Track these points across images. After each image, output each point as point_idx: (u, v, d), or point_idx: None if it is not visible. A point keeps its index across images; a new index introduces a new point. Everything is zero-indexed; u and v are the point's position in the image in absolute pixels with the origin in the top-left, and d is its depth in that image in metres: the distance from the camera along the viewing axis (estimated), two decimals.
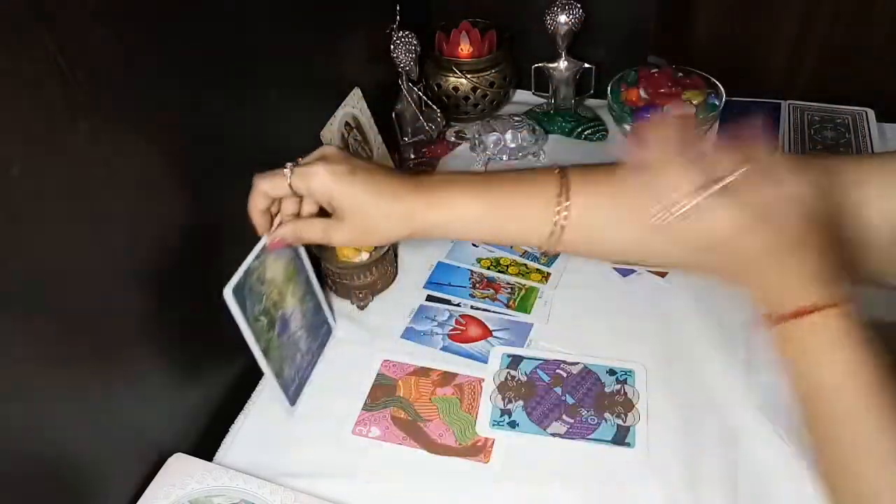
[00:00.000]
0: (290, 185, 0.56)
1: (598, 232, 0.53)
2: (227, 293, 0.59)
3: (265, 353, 0.65)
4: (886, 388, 0.42)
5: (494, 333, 0.78)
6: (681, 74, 0.98)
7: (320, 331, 0.76)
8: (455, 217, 0.55)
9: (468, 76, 1.03)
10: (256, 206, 0.59)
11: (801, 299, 0.45)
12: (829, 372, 0.44)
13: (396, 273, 0.86)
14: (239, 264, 0.61)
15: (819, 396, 0.45)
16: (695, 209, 0.45)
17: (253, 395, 0.74)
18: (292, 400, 0.70)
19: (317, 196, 0.56)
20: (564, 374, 0.73)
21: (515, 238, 0.57)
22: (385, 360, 0.76)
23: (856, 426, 0.43)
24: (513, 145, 1.00)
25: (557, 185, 0.52)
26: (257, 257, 0.62)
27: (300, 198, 0.59)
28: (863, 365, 0.43)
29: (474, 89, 1.04)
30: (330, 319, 0.78)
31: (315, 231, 0.59)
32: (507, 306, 0.81)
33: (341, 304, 0.83)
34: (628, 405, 0.69)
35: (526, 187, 0.54)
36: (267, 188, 0.57)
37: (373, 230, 0.56)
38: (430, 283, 0.84)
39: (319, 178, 0.55)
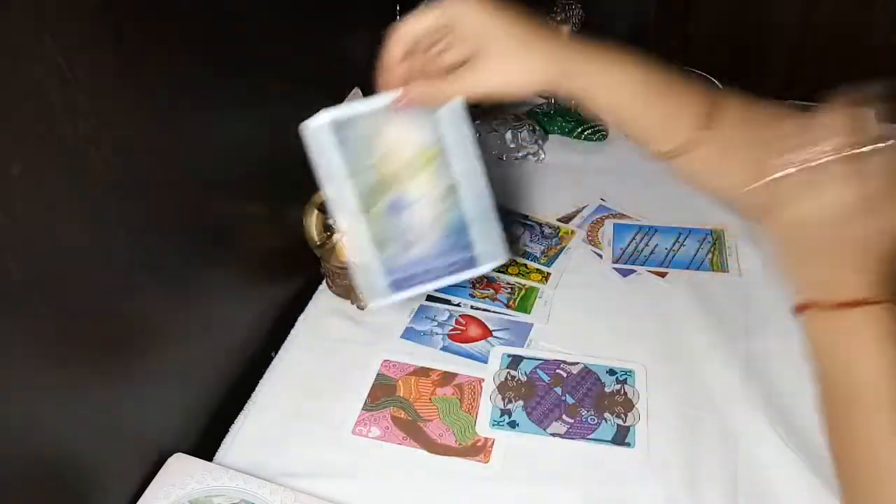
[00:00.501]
0: (437, 18, 0.50)
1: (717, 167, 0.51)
2: (314, 123, 0.52)
3: (357, 218, 0.56)
4: None
5: (494, 333, 0.78)
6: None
7: (456, 253, 0.60)
8: (607, 73, 0.51)
9: None
10: (393, 52, 0.51)
11: (857, 291, 0.44)
12: (865, 365, 0.44)
13: None
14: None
15: (850, 384, 0.45)
16: (822, 169, 0.44)
17: (253, 395, 0.74)
18: (393, 286, 0.59)
19: (467, 28, 0.50)
20: (564, 374, 0.73)
21: (650, 129, 0.53)
22: (385, 360, 0.76)
23: (881, 418, 0.43)
24: (513, 145, 1.00)
25: (708, 105, 0.50)
26: (374, 111, 0.52)
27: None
28: None
29: None
30: (481, 254, 0.60)
31: (464, 82, 0.52)
32: (507, 306, 0.81)
33: (341, 304, 0.83)
34: (628, 405, 0.69)
35: (684, 87, 0.51)
36: (411, 25, 0.50)
37: (523, 71, 0.51)
38: None
39: (471, 5, 0.49)
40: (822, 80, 1.07)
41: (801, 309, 0.46)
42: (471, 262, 0.61)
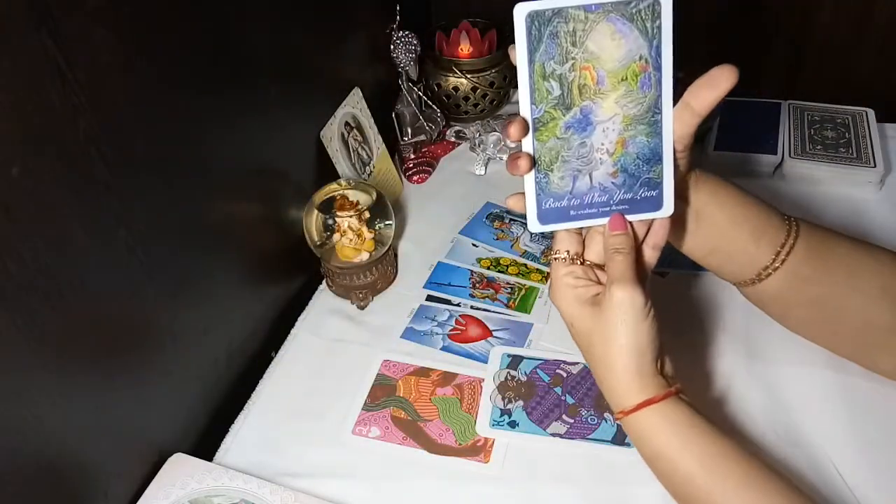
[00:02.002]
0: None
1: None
2: (521, 9, 0.48)
3: (535, 125, 0.52)
4: (717, 455, 0.51)
5: (494, 333, 0.78)
6: (681, 74, 0.98)
7: (639, 189, 0.54)
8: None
9: (468, 76, 1.03)
10: None
11: (636, 397, 0.52)
12: (667, 451, 0.52)
13: (396, 273, 0.86)
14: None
15: (667, 469, 0.53)
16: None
17: (253, 395, 0.74)
18: (542, 217, 0.54)
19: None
20: (564, 374, 0.73)
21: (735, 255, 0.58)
22: (385, 360, 0.76)
23: (697, 489, 0.51)
24: (512, 145, 1.00)
25: (787, 235, 0.56)
26: (585, 10, 0.48)
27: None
28: (695, 441, 0.52)
29: (474, 89, 1.04)
30: (666, 194, 0.53)
31: None
32: (507, 306, 0.81)
33: (341, 304, 0.83)
34: None
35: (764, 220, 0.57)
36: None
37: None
38: (430, 283, 0.84)
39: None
40: (821, 80, 1.07)
41: (616, 419, 0.54)
42: (656, 203, 0.54)
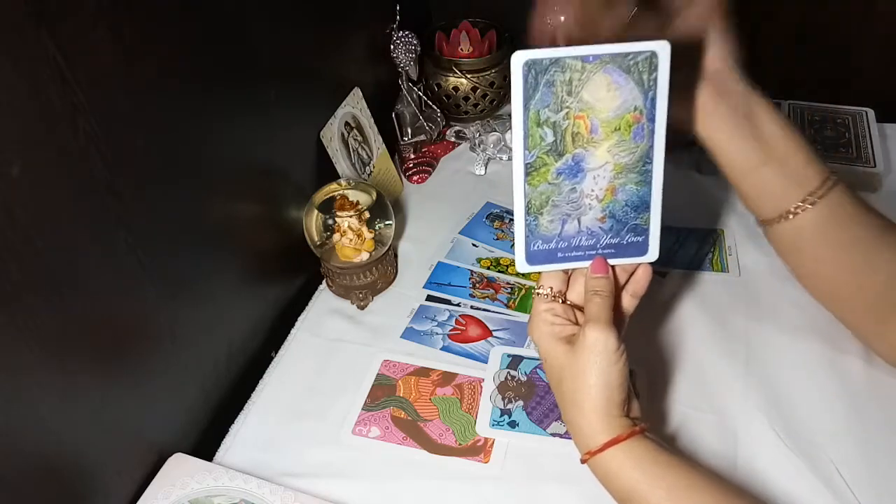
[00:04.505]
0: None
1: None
2: (518, 58, 0.49)
3: (526, 170, 0.52)
4: (686, 486, 0.51)
5: (494, 333, 0.78)
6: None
7: (626, 234, 0.55)
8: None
9: (468, 76, 1.03)
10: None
11: (602, 437, 0.52)
12: (637, 487, 0.52)
13: (396, 273, 0.86)
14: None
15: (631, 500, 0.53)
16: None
17: (253, 395, 0.74)
18: (530, 258, 0.56)
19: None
20: None
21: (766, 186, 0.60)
22: (385, 360, 0.76)
23: None
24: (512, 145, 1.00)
25: (821, 183, 0.58)
26: (583, 60, 0.49)
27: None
28: (662, 475, 0.51)
29: (474, 89, 1.04)
30: (652, 241, 0.56)
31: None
32: (507, 306, 0.81)
33: (341, 304, 0.83)
34: None
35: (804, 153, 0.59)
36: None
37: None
38: (430, 283, 0.84)
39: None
40: (821, 80, 1.07)
41: (582, 461, 0.54)
42: (642, 248, 0.56)
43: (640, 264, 0.57)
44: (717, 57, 0.58)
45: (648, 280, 0.57)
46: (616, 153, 0.52)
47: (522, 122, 0.51)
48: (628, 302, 0.57)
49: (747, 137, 0.59)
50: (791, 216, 0.59)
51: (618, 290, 0.57)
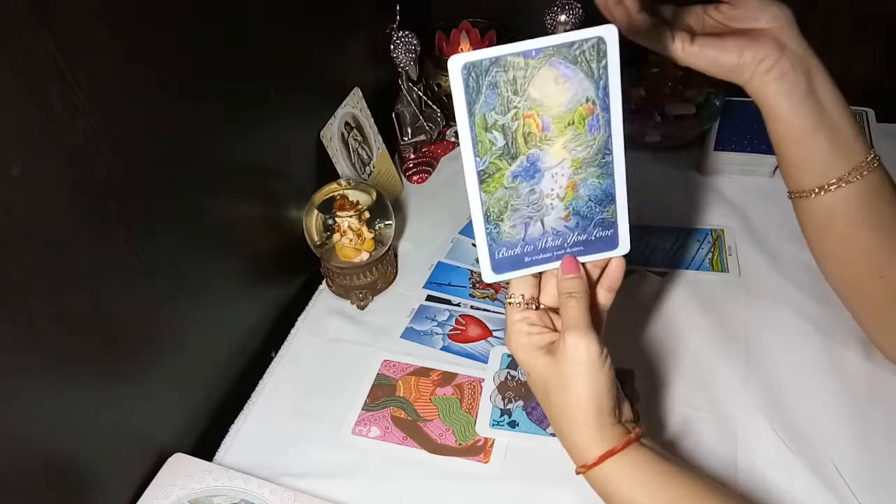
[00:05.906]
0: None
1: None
2: (455, 62, 0.46)
3: (480, 178, 0.50)
4: (685, 496, 0.49)
5: (494, 333, 0.78)
6: (681, 73, 0.98)
7: (593, 230, 0.54)
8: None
9: None
10: None
11: (597, 449, 0.50)
12: (636, 499, 0.50)
13: (396, 273, 0.86)
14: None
15: None
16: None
17: (253, 395, 0.74)
18: (496, 267, 0.54)
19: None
20: None
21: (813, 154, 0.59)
22: (385, 360, 0.76)
23: None
24: None
25: (866, 159, 0.58)
26: (524, 56, 0.47)
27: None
28: (662, 486, 0.50)
29: None
30: (621, 233, 0.54)
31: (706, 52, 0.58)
32: None
33: (341, 304, 0.83)
34: None
35: (856, 131, 0.59)
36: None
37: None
38: (430, 283, 0.84)
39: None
40: None
41: (577, 473, 0.52)
42: (611, 242, 0.54)
43: (612, 258, 0.55)
44: (778, 12, 0.57)
45: (622, 272, 0.54)
46: (572, 148, 0.50)
47: (469, 129, 0.48)
48: (604, 297, 0.55)
49: (804, 99, 0.56)
50: (831, 189, 0.57)
51: (592, 286, 0.55)
